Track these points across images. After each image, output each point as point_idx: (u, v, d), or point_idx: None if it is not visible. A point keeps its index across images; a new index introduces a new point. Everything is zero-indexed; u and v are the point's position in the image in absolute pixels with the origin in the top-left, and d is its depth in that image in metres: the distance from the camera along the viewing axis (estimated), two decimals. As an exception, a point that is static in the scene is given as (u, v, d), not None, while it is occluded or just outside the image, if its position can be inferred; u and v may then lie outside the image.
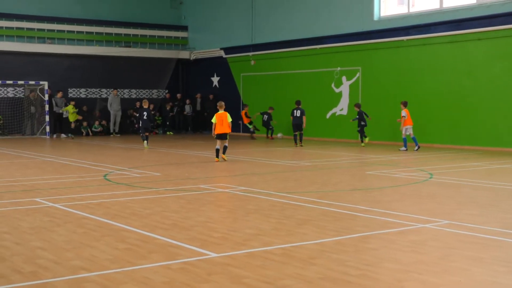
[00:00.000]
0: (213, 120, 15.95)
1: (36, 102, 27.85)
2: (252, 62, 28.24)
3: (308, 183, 11.85)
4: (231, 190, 10.87)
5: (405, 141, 19.36)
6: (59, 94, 27.45)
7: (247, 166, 15.17)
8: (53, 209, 8.83)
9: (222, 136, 15.90)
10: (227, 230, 7.33)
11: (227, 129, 15.82)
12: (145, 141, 20.63)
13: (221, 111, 16.01)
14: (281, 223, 7.77)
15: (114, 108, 28.51)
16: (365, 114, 21.46)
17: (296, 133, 21.38)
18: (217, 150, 15.96)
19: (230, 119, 15.91)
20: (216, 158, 15.91)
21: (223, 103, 16.29)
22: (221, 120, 15.85)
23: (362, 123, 21.30)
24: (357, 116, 21.33)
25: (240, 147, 21.30)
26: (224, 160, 15.89)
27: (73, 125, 27.30)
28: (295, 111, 21.42)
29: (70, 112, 27.12)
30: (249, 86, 28.74)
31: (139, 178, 12.67)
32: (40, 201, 9.61)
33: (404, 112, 19.37)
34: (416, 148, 19.39)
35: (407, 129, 19.42)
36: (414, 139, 19.44)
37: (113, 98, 28.63)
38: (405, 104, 19.57)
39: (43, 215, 8.38)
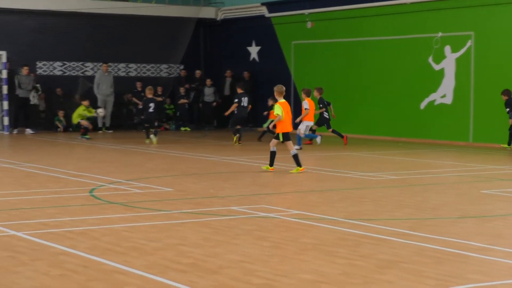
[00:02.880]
0: (279, 111, 15.82)
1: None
2: (309, 24, 28.20)
3: (394, 206, 11.77)
4: (278, 214, 10.84)
5: (299, 138, 20.92)
6: (25, 70, 27.62)
7: (301, 178, 15.14)
8: (15, 240, 8.92)
9: (289, 137, 16.05)
10: (272, 275, 7.31)
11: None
12: (152, 136, 22.80)
13: (282, 100, 16.10)
14: (353, 266, 7.73)
15: (103, 91, 28.72)
16: None
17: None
18: (296, 156, 15.95)
19: None
20: (301, 168, 15.95)
21: (283, 88, 16.37)
22: (288, 112, 16.00)
23: None
24: (508, 109, 20.96)
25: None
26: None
27: (87, 124, 25.45)
28: (242, 98, 22.97)
29: (80, 114, 25.97)
30: (304, 60, 28.69)
31: (142, 195, 12.74)
32: (-3, 227, 9.73)
33: (307, 104, 21.09)
34: (299, 147, 20.88)
35: (308, 126, 21.32)
36: (308, 136, 21.47)
37: (102, 77, 28.84)
38: (307, 93, 21.29)
39: (1, 248, 8.47)
